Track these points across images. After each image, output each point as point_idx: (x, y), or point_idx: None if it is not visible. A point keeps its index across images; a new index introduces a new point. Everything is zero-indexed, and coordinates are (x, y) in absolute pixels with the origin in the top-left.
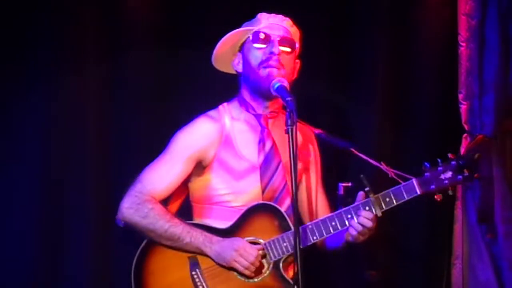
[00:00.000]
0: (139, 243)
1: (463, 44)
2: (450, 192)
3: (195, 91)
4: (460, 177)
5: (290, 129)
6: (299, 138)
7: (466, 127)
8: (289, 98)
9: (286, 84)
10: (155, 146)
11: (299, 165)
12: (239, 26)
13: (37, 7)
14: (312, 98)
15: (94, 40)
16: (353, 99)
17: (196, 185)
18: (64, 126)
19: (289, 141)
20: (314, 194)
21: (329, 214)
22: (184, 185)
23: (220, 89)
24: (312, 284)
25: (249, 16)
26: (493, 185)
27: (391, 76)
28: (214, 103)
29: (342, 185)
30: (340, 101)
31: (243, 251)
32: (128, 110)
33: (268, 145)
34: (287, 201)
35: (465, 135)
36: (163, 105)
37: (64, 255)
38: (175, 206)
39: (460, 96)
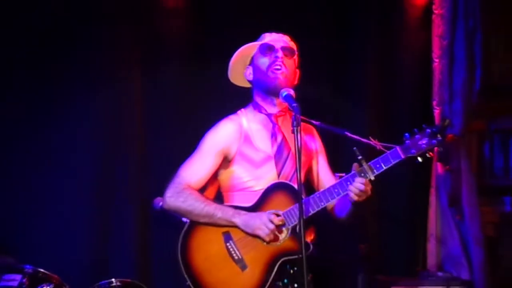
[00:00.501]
0: (174, 224)
1: (436, 60)
2: (428, 155)
3: (219, 99)
4: (434, 141)
5: (296, 129)
6: (303, 135)
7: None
8: (294, 104)
9: (292, 92)
10: (186, 145)
11: (304, 156)
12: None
13: (90, 23)
14: (315, 100)
15: (136, 55)
16: (349, 103)
17: (223, 176)
18: (111, 128)
19: (295, 138)
20: (322, 175)
21: (332, 184)
22: (215, 179)
23: (238, 99)
24: (319, 249)
25: (256, 35)
26: (461, 175)
27: (379, 85)
28: (233, 109)
29: (338, 175)
30: (340, 103)
31: (265, 221)
32: (164, 115)
33: (279, 138)
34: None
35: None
36: (194, 111)
37: (114, 235)
38: (211, 195)
39: (434, 102)
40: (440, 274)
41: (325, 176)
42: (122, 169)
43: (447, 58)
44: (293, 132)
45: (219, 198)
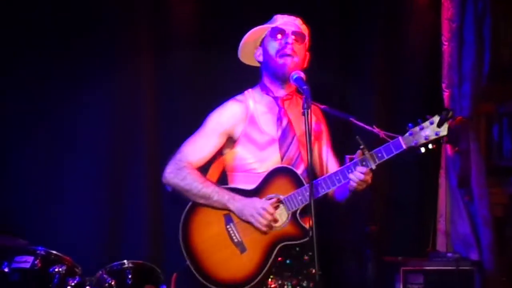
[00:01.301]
0: (184, 204)
1: (446, 43)
2: (431, 146)
3: (229, 83)
4: (438, 132)
5: (306, 112)
6: (313, 117)
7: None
8: (305, 87)
9: (302, 75)
10: (196, 126)
11: (313, 139)
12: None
13: (106, 12)
14: (322, 83)
15: (148, 42)
16: (358, 85)
17: (228, 156)
18: (126, 114)
19: (305, 121)
20: (325, 158)
21: (334, 171)
22: (221, 158)
23: (246, 78)
24: (323, 235)
25: (267, 17)
26: (470, 157)
27: (387, 68)
28: (241, 89)
29: (348, 157)
30: (348, 87)
31: (258, 209)
32: (175, 97)
33: (284, 122)
34: (302, 166)
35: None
36: (203, 91)
37: (126, 218)
38: (215, 175)
39: (443, 85)
40: (449, 254)
41: (328, 159)
42: (135, 153)
43: (456, 41)
44: (303, 114)
45: (223, 177)
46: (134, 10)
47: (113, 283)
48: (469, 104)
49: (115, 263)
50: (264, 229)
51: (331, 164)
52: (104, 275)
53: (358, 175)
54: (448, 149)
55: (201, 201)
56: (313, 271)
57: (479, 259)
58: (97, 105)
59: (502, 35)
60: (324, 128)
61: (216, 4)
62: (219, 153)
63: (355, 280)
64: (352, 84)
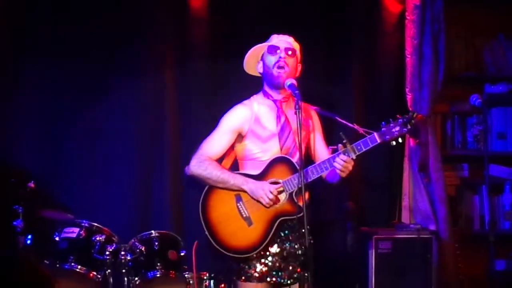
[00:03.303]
0: (201, 188)
1: (409, 56)
2: (400, 140)
3: (237, 88)
4: (405, 129)
5: (298, 111)
6: (304, 115)
7: (411, 109)
8: (296, 91)
9: (294, 82)
10: (211, 125)
11: (303, 132)
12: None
13: (138, 35)
14: (314, 89)
15: (172, 56)
16: (340, 89)
17: (238, 148)
18: (155, 109)
19: (297, 119)
20: (318, 148)
21: (323, 160)
22: (232, 151)
23: (251, 90)
24: (311, 209)
25: (266, 37)
26: (428, 147)
27: (364, 77)
28: (247, 95)
29: (331, 148)
30: (332, 90)
31: (266, 191)
32: (193, 101)
33: (282, 119)
34: (297, 155)
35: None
36: (216, 97)
37: (154, 196)
38: (229, 163)
39: (407, 89)
40: (412, 226)
41: (320, 149)
42: (161, 143)
43: (417, 54)
44: (295, 113)
45: (235, 165)
46: (160, 31)
47: (143, 249)
48: (427, 105)
49: (145, 233)
50: (268, 206)
51: (322, 153)
52: (136, 243)
53: (340, 162)
54: (411, 141)
55: (220, 185)
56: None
57: (436, 229)
58: (131, 106)
59: (453, 49)
60: (317, 124)
61: (227, 26)
62: (231, 147)
63: (338, 247)
64: (335, 88)
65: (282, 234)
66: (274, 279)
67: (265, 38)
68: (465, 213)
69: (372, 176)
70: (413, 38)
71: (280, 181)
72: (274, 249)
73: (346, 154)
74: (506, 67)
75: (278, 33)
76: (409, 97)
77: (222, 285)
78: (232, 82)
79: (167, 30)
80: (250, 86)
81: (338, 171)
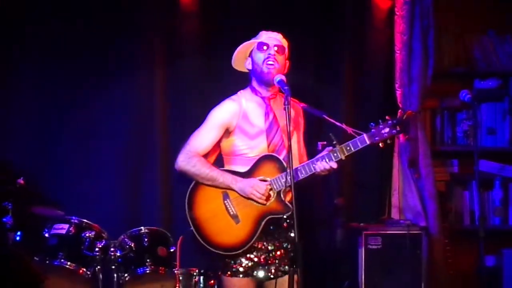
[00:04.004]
0: (187, 183)
1: (398, 52)
2: (389, 141)
3: (224, 83)
4: (394, 131)
5: (287, 107)
6: (292, 111)
7: (400, 105)
8: (286, 88)
9: (283, 78)
10: (200, 122)
11: (292, 127)
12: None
13: (128, 33)
14: (302, 85)
15: (161, 53)
16: (329, 86)
17: (225, 144)
18: (144, 107)
19: (286, 115)
20: (302, 146)
21: (312, 159)
22: (217, 146)
23: (239, 82)
24: (300, 207)
25: (255, 33)
26: (418, 143)
27: (354, 72)
28: (235, 90)
29: (320, 143)
30: (321, 88)
31: (257, 187)
32: (184, 97)
33: (270, 116)
34: (284, 153)
35: (400, 110)
36: (205, 92)
37: (144, 193)
38: (212, 158)
39: (396, 85)
40: (402, 221)
41: (303, 147)
42: (151, 140)
43: (406, 50)
44: (284, 109)
45: (219, 160)
46: (150, 27)
47: (132, 245)
48: (417, 100)
49: (134, 229)
50: (261, 202)
51: (301, 152)
52: (125, 239)
53: (321, 167)
54: (400, 137)
55: (208, 183)
56: (292, 234)
57: (426, 225)
58: (121, 102)
59: (442, 45)
60: (301, 122)
61: (216, 23)
62: (217, 143)
63: (328, 243)
64: (324, 85)
65: (268, 231)
66: (259, 273)
67: (255, 34)
68: (455, 208)
69: (362, 172)
70: (402, 34)
71: (268, 179)
72: (260, 244)
73: (335, 154)
74: (495, 62)
75: (267, 29)
76: (398, 92)
77: (212, 281)
78: (223, 78)
79: (157, 26)
80: (240, 82)
81: (318, 170)
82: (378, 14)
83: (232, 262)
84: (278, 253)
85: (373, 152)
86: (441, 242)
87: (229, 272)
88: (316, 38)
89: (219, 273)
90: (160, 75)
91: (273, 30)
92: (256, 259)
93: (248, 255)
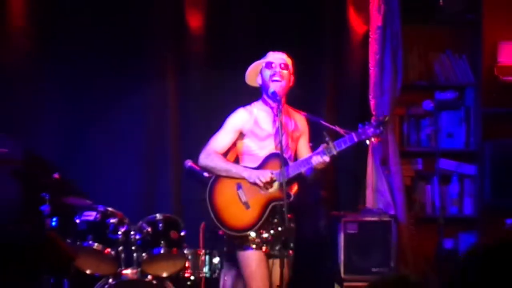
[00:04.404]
0: (198, 178)
1: (372, 68)
2: (373, 139)
3: (226, 94)
4: (378, 130)
5: (278, 115)
6: (297, 119)
7: (373, 113)
8: (278, 98)
9: (276, 91)
10: (208, 127)
11: (296, 133)
12: (259, 59)
13: (143, 46)
14: (293, 95)
15: (174, 64)
16: (314, 97)
17: (240, 145)
18: (159, 113)
19: (278, 120)
20: (301, 150)
21: (309, 155)
22: (235, 147)
23: (251, 95)
24: (297, 198)
25: (264, 52)
26: (388, 144)
27: (335, 85)
28: (244, 102)
29: (309, 144)
30: (307, 98)
31: (261, 175)
32: (194, 106)
33: (277, 123)
34: (289, 152)
35: (373, 117)
36: (211, 102)
37: (159, 185)
38: (232, 157)
39: (370, 96)
40: (375, 210)
41: (302, 150)
42: (165, 141)
43: (379, 67)
44: (276, 115)
45: (237, 160)
46: (163, 47)
47: (149, 229)
48: (388, 109)
49: (151, 216)
50: (263, 186)
51: (304, 153)
52: (143, 224)
53: (317, 161)
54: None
55: (224, 173)
56: (292, 225)
57: (395, 214)
58: (139, 108)
59: (408, 62)
60: (303, 128)
61: (219, 42)
62: (234, 144)
63: (313, 229)
64: (310, 96)
65: (273, 218)
66: (268, 248)
67: (251, 52)
68: (419, 200)
69: (342, 169)
70: (375, 53)
71: (273, 171)
72: (267, 227)
73: (328, 151)
74: (453, 77)
75: (273, 50)
76: (372, 102)
77: (216, 260)
78: (224, 89)
79: (169, 45)
80: (239, 93)
81: (314, 165)
82: (355, 37)
83: (245, 239)
84: (279, 236)
85: (351, 152)
86: (407, 228)
87: (244, 247)
88: (303, 57)
89: (237, 251)
90: (172, 86)
91: (278, 51)
92: (264, 238)
93: (258, 234)
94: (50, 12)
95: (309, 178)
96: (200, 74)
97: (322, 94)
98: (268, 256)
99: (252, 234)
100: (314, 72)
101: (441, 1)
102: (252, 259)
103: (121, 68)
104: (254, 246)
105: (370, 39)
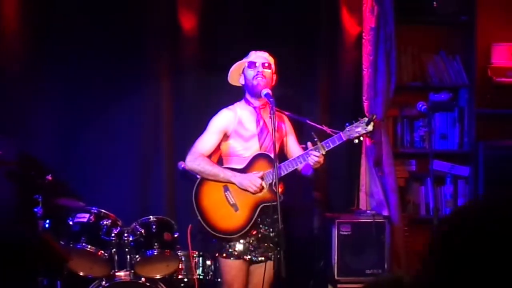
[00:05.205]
0: (191, 180)
1: (365, 69)
2: (361, 138)
3: (219, 95)
4: (366, 129)
5: (272, 116)
6: (277, 120)
7: (367, 114)
8: (271, 99)
9: (270, 91)
10: (200, 128)
11: (277, 134)
12: (241, 58)
13: (140, 47)
14: (286, 96)
15: (167, 67)
16: (307, 98)
17: (224, 146)
18: (153, 114)
19: (271, 122)
20: (292, 148)
21: (297, 156)
22: (218, 148)
23: (234, 95)
24: (284, 198)
25: (246, 52)
26: (382, 146)
27: (329, 87)
28: (230, 100)
29: (300, 146)
30: (301, 99)
31: (253, 181)
32: (187, 107)
33: (261, 122)
34: (273, 152)
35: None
36: (204, 102)
37: (152, 186)
38: (215, 158)
39: (364, 97)
40: (368, 211)
41: (293, 148)
42: (158, 143)
43: (372, 68)
44: (270, 117)
45: (220, 161)
46: (158, 49)
47: (142, 231)
48: (381, 110)
49: (144, 218)
50: (255, 193)
51: (296, 152)
52: (137, 226)
53: (313, 157)
54: (367, 141)
55: (211, 178)
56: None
57: (388, 215)
58: (133, 110)
59: (402, 63)
60: (289, 127)
61: (212, 43)
62: (218, 146)
63: (307, 230)
64: (304, 97)
65: (259, 219)
66: (249, 256)
67: (245, 52)
68: (413, 201)
69: (335, 170)
70: (369, 55)
71: (262, 172)
72: (254, 231)
73: (317, 150)
74: (446, 78)
75: (256, 49)
76: (365, 104)
77: (209, 262)
78: (217, 90)
79: (164, 47)
80: (231, 93)
81: (312, 164)
82: (348, 38)
83: (228, 246)
84: (266, 240)
85: (345, 154)
86: (401, 229)
87: (224, 254)
88: (297, 58)
89: (217, 254)
90: (166, 87)
91: (260, 49)
92: (247, 244)
93: (241, 241)
94: (45, 12)
95: (308, 176)
96: (195, 76)
97: (315, 96)
98: (250, 262)
99: (240, 240)
100: (307, 73)
101: (434, 2)
102: (232, 267)
103: (115, 70)
104: (235, 254)
105: (363, 41)
